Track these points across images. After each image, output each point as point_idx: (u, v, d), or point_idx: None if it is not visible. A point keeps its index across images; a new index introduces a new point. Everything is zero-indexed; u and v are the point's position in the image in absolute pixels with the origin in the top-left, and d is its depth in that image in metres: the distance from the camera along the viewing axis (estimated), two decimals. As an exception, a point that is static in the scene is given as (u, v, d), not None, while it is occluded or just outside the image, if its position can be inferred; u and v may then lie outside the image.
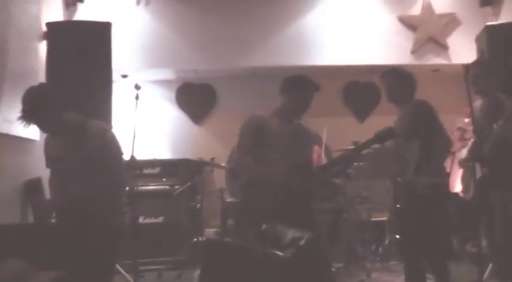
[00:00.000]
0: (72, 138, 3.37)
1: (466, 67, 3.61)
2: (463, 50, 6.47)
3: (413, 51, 6.84)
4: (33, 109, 3.28)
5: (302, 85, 3.79)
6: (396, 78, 4.25)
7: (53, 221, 3.65)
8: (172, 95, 7.64)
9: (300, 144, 3.82)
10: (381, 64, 6.85)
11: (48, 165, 3.64)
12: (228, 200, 6.38)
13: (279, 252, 2.69)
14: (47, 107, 3.31)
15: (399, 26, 6.89)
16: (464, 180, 4.41)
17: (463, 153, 4.38)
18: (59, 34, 4.82)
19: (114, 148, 3.39)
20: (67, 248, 3.21)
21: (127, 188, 3.76)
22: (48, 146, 3.56)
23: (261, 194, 3.66)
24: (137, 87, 3.43)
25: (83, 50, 4.67)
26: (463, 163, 4.35)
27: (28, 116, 3.29)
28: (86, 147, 3.33)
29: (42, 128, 3.47)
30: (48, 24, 4.89)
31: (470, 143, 4.23)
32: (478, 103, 4.08)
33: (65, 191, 3.39)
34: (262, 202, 3.64)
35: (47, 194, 4.82)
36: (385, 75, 4.30)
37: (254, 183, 3.71)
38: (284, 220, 3.09)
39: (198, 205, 6.11)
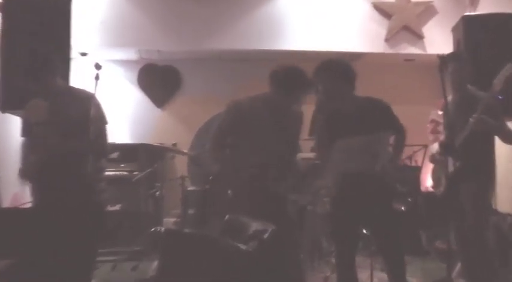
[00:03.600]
0: (60, 102, 3.45)
1: (442, 58, 3.49)
2: (438, 40, 6.45)
3: (387, 39, 6.75)
4: (42, 70, 3.42)
5: (296, 83, 3.58)
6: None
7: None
8: (134, 76, 7.51)
9: (284, 130, 3.69)
10: (353, 51, 6.72)
11: (26, 132, 3.62)
12: (189, 188, 6.33)
13: (241, 245, 2.66)
14: (54, 69, 3.47)
15: (373, 13, 6.80)
16: (434, 174, 4.35)
17: (435, 147, 4.30)
18: (16, 7, 4.63)
19: (98, 114, 3.40)
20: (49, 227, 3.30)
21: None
22: (31, 111, 3.55)
23: (231, 183, 3.68)
24: (97, 66, 3.43)
25: (40, 24, 4.53)
26: (434, 157, 4.26)
27: (35, 77, 3.41)
28: (71, 111, 3.40)
29: (42, 91, 3.49)
30: (5, -3, 4.69)
31: (442, 136, 4.20)
32: (450, 97, 4.03)
33: (47, 150, 3.44)
34: (233, 191, 3.66)
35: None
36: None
37: (225, 174, 3.79)
38: (257, 210, 3.11)
39: (158, 193, 6.01)
